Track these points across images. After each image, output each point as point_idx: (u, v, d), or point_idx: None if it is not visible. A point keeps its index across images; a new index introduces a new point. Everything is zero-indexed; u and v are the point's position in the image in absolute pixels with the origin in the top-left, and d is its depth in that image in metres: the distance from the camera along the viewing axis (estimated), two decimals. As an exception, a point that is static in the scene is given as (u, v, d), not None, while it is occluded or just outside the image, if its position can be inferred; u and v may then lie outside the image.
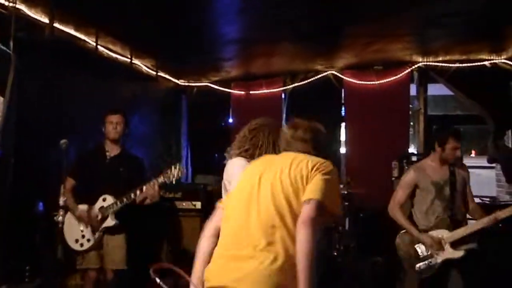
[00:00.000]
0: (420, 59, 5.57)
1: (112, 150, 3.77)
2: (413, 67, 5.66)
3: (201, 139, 6.62)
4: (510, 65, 5.31)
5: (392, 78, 5.69)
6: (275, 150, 2.70)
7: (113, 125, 3.72)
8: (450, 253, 3.34)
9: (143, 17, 4.02)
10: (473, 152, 7.77)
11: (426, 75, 5.72)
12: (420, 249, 3.43)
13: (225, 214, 2.03)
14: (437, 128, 4.32)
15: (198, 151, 6.70)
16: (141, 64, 5.47)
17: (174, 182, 3.56)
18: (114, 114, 3.75)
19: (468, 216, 3.54)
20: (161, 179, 3.49)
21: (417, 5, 3.85)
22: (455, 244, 3.33)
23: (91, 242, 3.63)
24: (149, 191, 3.49)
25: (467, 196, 3.51)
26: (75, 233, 3.63)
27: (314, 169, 1.93)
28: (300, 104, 6.17)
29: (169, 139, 6.50)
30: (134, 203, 3.54)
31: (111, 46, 4.77)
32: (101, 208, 3.63)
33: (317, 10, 3.78)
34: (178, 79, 6.49)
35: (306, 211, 1.83)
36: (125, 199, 3.56)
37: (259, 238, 1.84)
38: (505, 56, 5.30)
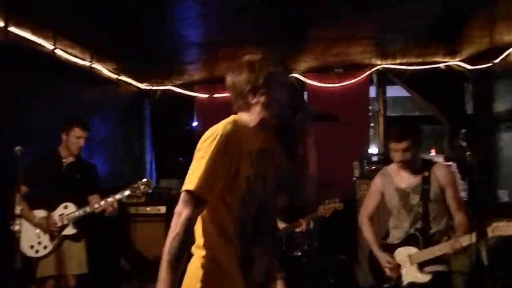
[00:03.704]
0: (379, 62, 5.72)
1: (68, 157, 3.74)
2: (372, 69, 5.80)
3: (165, 143, 6.58)
4: (463, 67, 5.53)
5: (352, 81, 5.82)
6: None
7: (80, 140, 3.68)
8: (415, 276, 2.90)
9: (102, 20, 3.97)
10: (432, 151, 8.04)
11: (385, 77, 5.88)
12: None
13: None
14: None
15: (162, 155, 6.65)
16: (101, 68, 5.38)
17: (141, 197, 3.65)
18: (84, 130, 3.70)
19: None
20: (127, 193, 3.57)
21: (374, 10, 3.96)
22: (423, 265, 2.88)
23: (48, 249, 3.57)
24: (108, 208, 3.54)
25: (450, 205, 2.93)
26: (31, 239, 3.55)
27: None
28: (264, 107, 6.22)
29: (132, 143, 6.42)
30: (93, 212, 3.59)
31: (70, 50, 4.67)
32: (61, 215, 3.59)
33: (276, 15, 3.83)
34: (140, 83, 6.42)
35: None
36: (88, 209, 3.57)
37: None
38: (459, 58, 5.52)
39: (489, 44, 4.92)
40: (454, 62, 5.56)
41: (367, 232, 3.18)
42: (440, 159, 5.71)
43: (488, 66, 5.31)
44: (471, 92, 5.73)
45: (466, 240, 2.72)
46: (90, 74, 5.07)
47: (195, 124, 6.61)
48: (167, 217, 5.06)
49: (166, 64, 5.61)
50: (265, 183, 1.84)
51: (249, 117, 1.86)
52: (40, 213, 3.61)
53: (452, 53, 5.40)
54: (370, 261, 3.16)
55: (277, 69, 1.86)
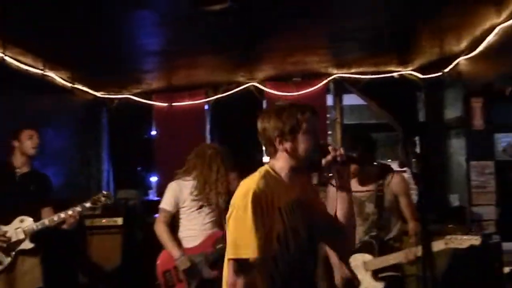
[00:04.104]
0: (335, 71, 5.84)
1: (22, 167, 3.59)
2: (329, 78, 5.92)
3: (123, 152, 6.45)
4: (415, 76, 5.74)
5: (310, 89, 5.92)
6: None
7: (33, 140, 3.57)
8: (370, 283, 2.92)
9: (56, 27, 3.87)
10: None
11: (341, 86, 6.01)
12: None
13: None
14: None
15: (120, 165, 6.52)
16: (55, 76, 5.23)
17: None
18: (32, 129, 3.59)
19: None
20: (88, 205, 3.51)
21: (330, 21, 4.06)
22: (376, 272, 2.92)
23: (3, 265, 3.40)
24: (68, 220, 3.43)
25: (403, 212, 3.00)
26: None
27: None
28: (223, 116, 6.23)
29: (89, 153, 6.25)
30: (51, 225, 3.47)
31: (20, 58, 4.52)
32: (18, 229, 3.44)
33: (233, 24, 3.85)
34: (97, 91, 6.28)
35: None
36: (46, 222, 3.45)
37: None
38: (411, 68, 5.71)
39: (439, 54, 5.13)
40: (407, 71, 5.75)
41: None
42: (394, 165, 5.88)
43: (438, 75, 5.54)
44: (423, 101, 5.95)
45: (420, 250, 2.70)
46: (43, 83, 4.91)
47: (153, 132, 6.52)
48: (124, 229, 4.97)
49: (123, 72, 5.52)
50: (296, 236, 1.82)
51: (280, 165, 1.86)
52: None
53: (405, 63, 5.59)
54: (324, 268, 3.18)
55: (305, 115, 1.84)
